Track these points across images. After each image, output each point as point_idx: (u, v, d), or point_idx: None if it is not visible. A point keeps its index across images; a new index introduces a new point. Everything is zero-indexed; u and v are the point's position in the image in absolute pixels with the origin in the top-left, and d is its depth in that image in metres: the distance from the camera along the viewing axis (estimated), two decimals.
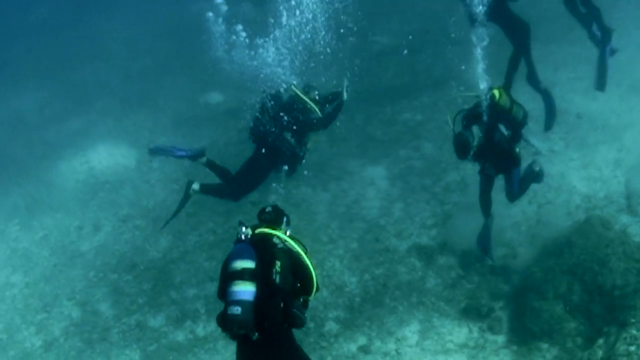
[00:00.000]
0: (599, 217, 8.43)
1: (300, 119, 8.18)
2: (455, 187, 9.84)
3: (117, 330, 8.59)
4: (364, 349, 7.55)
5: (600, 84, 9.54)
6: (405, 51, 12.72)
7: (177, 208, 8.62)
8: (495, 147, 7.16)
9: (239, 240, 4.71)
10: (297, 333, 7.76)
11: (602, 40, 9.39)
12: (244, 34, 10.99)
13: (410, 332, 7.68)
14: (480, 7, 8.35)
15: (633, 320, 6.58)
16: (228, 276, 4.55)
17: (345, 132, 11.28)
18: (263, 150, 8.20)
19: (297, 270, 4.70)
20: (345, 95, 8.67)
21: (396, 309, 8.03)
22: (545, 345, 7.08)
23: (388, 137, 11.27)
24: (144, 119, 13.25)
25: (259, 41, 11.98)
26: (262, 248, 4.63)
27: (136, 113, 13.57)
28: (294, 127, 8.16)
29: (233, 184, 8.46)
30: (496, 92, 7.05)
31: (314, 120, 8.35)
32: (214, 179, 8.69)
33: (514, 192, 7.72)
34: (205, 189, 8.50)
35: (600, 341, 6.72)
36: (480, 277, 8.23)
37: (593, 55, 12.79)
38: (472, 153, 7.06)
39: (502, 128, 7.18)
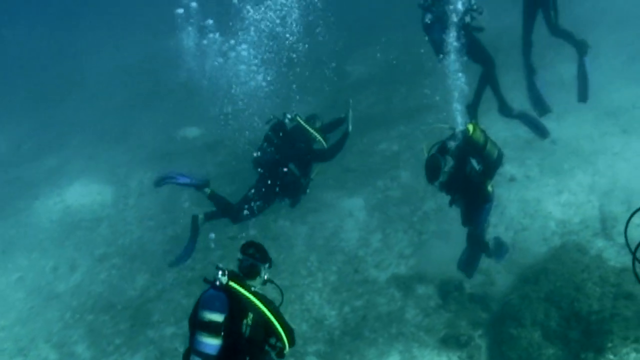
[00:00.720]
0: (574, 242, 8.52)
1: (304, 149, 8.20)
2: (433, 215, 9.86)
3: None
4: None
5: (583, 95, 9.86)
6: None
7: (188, 244, 8.58)
8: (466, 180, 7.16)
9: (214, 285, 4.57)
10: None
11: (580, 53, 9.50)
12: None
13: None
14: (455, 42, 8.56)
15: (610, 345, 6.62)
16: (196, 323, 4.51)
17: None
18: (269, 181, 8.23)
19: (267, 326, 4.57)
20: (350, 127, 8.56)
21: (376, 340, 7.98)
22: None
23: (365, 168, 11.31)
24: (120, 155, 13.19)
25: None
26: (236, 298, 4.50)
27: (112, 149, 13.52)
28: (299, 158, 8.22)
29: (236, 207, 8.50)
30: (470, 127, 7.11)
31: (319, 151, 8.37)
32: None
33: (479, 226, 7.64)
34: (210, 216, 8.59)
35: None
36: (458, 306, 8.21)
37: (566, 79, 13.09)
38: (441, 180, 7.06)
39: (475, 163, 7.16)
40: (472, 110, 9.52)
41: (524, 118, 9.55)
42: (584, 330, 6.98)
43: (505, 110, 9.26)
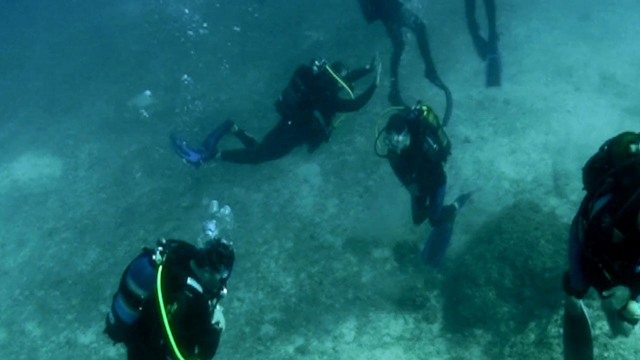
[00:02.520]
0: (527, 200, 8.58)
1: (330, 97, 8.05)
2: (389, 179, 9.68)
3: (45, 349, 8.21)
4: (301, 350, 7.43)
5: (494, 80, 9.95)
6: None
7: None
8: (423, 157, 7.06)
9: (150, 259, 4.30)
10: (232, 340, 7.65)
11: (491, 41, 9.67)
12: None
13: (347, 328, 7.59)
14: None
15: (563, 302, 6.66)
16: (121, 285, 4.37)
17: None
18: (289, 123, 8.21)
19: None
20: (378, 80, 8.37)
21: (333, 306, 7.94)
22: (479, 331, 7.12)
23: None
24: (69, 127, 12.73)
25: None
26: (167, 282, 4.24)
27: (61, 121, 13.04)
28: (324, 106, 8.13)
29: (256, 150, 8.66)
30: (425, 107, 7.05)
31: (345, 101, 8.24)
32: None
33: (437, 210, 7.69)
34: (227, 156, 8.78)
35: (533, 324, 6.80)
36: (414, 268, 8.22)
37: (519, 41, 13.11)
38: (399, 154, 6.97)
39: (431, 141, 7.05)
40: (431, 75, 9.51)
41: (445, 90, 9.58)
42: (537, 288, 7.05)
43: (431, 75, 9.36)
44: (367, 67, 8.86)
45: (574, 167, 8.92)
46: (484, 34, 9.65)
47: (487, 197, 8.96)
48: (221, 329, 4.73)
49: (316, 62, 8.07)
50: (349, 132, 10.94)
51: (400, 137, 6.78)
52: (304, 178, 10.17)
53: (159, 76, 13.53)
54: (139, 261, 4.38)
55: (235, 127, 8.81)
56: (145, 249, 4.56)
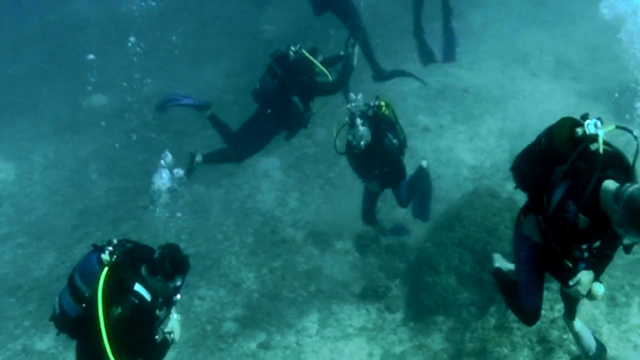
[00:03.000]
0: (486, 187, 8.59)
1: (308, 82, 7.93)
2: (349, 170, 9.65)
3: (2, 357, 7.97)
4: (264, 345, 7.33)
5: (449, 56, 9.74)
6: None
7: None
8: (384, 153, 7.06)
9: (99, 258, 4.17)
10: (194, 339, 7.52)
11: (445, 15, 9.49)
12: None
13: (310, 322, 7.53)
14: None
15: None
16: (69, 278, 4.29)
17: (238, 125, 11.04)
18: (269, 111, 8.02)
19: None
20: (354, 61, 8.18)
21: (295, 300, 7.86)
22: (441, 318, 7.12)
23: None
24: (23, 129, 12.39)
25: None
26: (112, 284, 4.11)
27: (14, 123, 12.67)
28: (302, 91, 7.97)
29: (236, 147, 8.34)
30: (383, 103, 7.08)
31: (323, 84, 8.10)
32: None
33: (404, 200, 7.70)
34: (209, 158, 8.41)
35: (493, 309, 6.79)
36: (376, 258, 8.20)
37: (476, 29, 13.18)
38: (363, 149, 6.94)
39: (391, 137, 7.08)
40: (378, 75, 9.46)
41: (400, 73, 9.54)
42: None
43: (378, 75, 9.38)
44: (342, 53, 8.68)
45: None
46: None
47: (447, 184, 8.99)
48: (173, 339, 4.58)
49: (292, 48, 7.97)
50: (309, 125, 10.85)
51: (365, 133, 6.77)
52: (265, 172, 10.08)
53: (113, 75, 13.23)
54: (88, 257, 4.26)
55: (209, 112, 8.44)
56: (94, 245, 4.41)
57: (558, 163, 3.92)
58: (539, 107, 10.26)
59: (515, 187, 4.39)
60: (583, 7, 13.27)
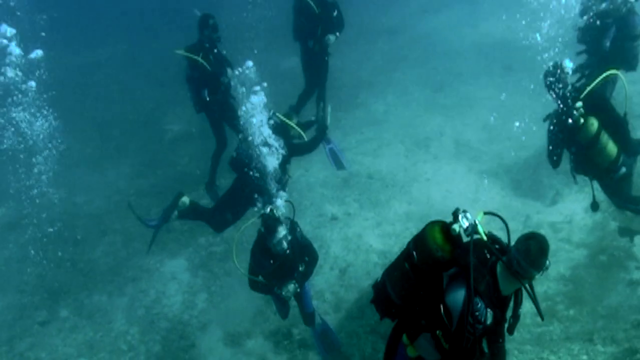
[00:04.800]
0: None
1: (284, 143, 7.98)
2: None
3: None
4: None
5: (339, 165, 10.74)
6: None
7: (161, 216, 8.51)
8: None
9: None
10: None
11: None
12: None
13: None
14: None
15: None
16: None
17: (141, 228, 10.67)
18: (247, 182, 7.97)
19: None
20: (328, 121, 8.50)
21: None
22: None
23: (186, 227, 10.73)
24: None
25: None
26: None
27: None
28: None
29: (217, 216, 8.38)
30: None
31: (299, 145, 8.36)
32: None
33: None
34: (184, 214, 8.47)
35: None
36: (289, 354, 7.85)
37: (378, 117, 13.58)
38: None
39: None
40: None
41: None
42: None
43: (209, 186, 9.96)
44: (313, 118, 9.14)
45: None
46: None
47: (357, 272, 8.86)
48: None
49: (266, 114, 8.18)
50: None
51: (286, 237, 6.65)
52: (171, 275, 9.66)
53: (5, 185, 12.68)
54: None
55: (186, 201, 8.46)
56: None
57: (442, 269, 3.82)
58: (442, 189, 10.47)
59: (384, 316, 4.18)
60: (477, 90, 13.99)
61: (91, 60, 19.07)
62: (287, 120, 8.21)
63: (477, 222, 3.78)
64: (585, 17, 7.83)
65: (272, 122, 8.06)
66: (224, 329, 8.45)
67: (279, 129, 8.11)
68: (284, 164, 8.31)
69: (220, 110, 9.76)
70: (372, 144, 12.33)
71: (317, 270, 7.77)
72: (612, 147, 6.07)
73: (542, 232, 8.36)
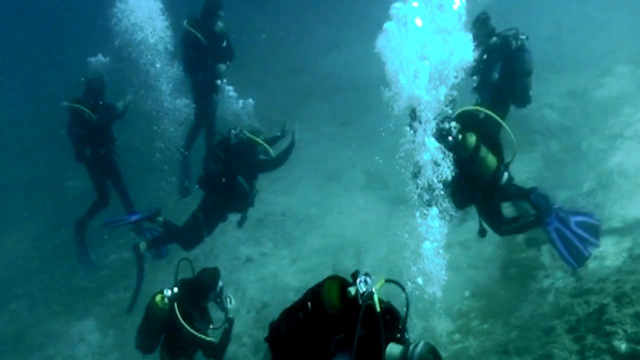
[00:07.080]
0: None
1: (251, 160, 8.26)
2: None
3: None
4: None
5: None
6: None
7: (137, 278, 8.67)
8: None
9: None
10: None
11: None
12: None
13: None
14: None
15: None
16: None
17: (45, 291, 10.11)
18: (216, 198, 8.25)
19: None
20: (296, 137, 8.69)
21: None
22: None
23: (95, 284, 10.23)
24: None
25: None
26: None
27: None
28: (246, 170, 8.23)
29: (187, 234, 8.33)
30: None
31: (267, 161, 8.48)
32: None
33: None
34: (153, 244, 8.45)
35: None
36: None
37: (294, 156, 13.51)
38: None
39: None
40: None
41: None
42: None
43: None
44: (279, 134, 9.25)
45: (352, 264, 9.02)
46: None
47: (274, 312, 8.56)
48: None
49: (233, 131, 8.25)
50: (126, 277, 10.14)
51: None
52: (80, 337, 9.11)
53: None
54: None
55: (161, 219, 8.43)
56: None
57: (332, 329, 3.56)
58: (355, 220, 10.44)
59: None
60: (383, 121, 14.13)
61: None
62: (253, 137, 8.32)
63: (373, 290, 3.56)
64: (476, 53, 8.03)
65: (234, 137, 8.25)
66: None
67: (244, 145, 8.27)
68: (251, 180, 8.47)
69: (102, 166, 9.74)
70: (284, 181, 12.22)
71: (234, 313, 7.48)
72: (492, 159, 6.30)
73: (453, 251, 8.53)
